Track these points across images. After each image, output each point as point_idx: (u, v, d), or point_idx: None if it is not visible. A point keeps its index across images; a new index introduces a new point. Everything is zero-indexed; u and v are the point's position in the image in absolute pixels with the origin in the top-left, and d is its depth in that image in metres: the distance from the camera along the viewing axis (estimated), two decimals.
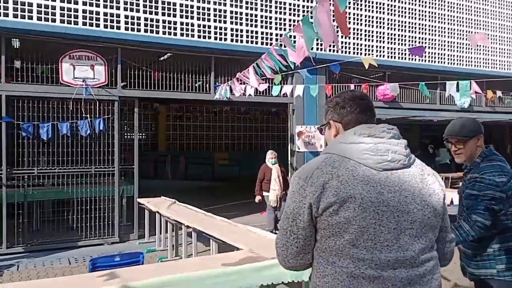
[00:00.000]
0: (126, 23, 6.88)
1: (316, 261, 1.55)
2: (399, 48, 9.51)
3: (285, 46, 4.05)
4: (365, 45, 9.21)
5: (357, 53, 9.04)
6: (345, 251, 1.46)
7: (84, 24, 6.58)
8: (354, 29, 9.06)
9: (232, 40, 7.77)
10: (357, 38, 9.11)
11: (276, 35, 8.16)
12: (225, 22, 7.71)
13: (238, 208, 9.86)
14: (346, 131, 1.63)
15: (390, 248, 1.46)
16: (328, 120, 1.73)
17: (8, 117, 6.30)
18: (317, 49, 8.47)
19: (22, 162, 6.56)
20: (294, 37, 3.53)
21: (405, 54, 9.64)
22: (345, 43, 8.97)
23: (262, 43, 8.02)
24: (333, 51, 8.64)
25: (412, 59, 9.73)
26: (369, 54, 8.99)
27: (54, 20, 6.38)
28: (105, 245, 6.95)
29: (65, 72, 6.62)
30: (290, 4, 8.37)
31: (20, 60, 6.63)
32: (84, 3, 6.57)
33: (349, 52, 8.96)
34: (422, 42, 9.83)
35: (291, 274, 3.33)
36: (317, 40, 3.97)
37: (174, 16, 7.27)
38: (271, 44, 8.00)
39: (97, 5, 6.67)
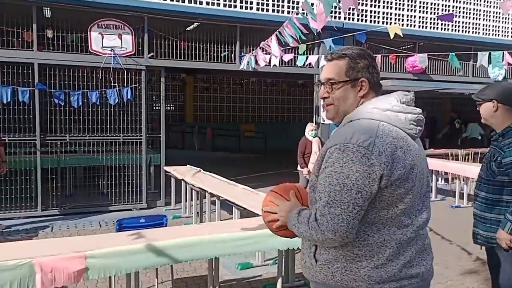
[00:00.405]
0: None
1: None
2: (431, 18, 9.17)
3: (306, 13, 3.99)
4: (396, 14, 8.92)
5: (387, 22, 8.77)
6: (396, 219, 1.50)
7: None
8: None
9: (257, 9, 7.69)
10: (387, 7, 8.83)
11: (302, 2, 7.99)
12: None
13: (262, 179, 9.97)
14: (386, 97, 1.60)
15: (421, 211, 1.57)
16: (360, 78, 1.60)
17: (41, 84, 6.52)
18: (345, 18, 8.27)
19: (55, 129, 6.83)
20: (313, 4, 3.47)
21: (438, 24, 9.29)
22: (375, 12, 8.71)
23: (288, 12, 7.90)
24: (360, 20, 8.43)
25: (445, 29, 9.38)
26: (399, 24, 8.72)
27: None
28: (133, 210, 7.22)
29: (94, 41, 6.75)
30: None
31: (51, 29, 6.78)
32: None
33: (378, 22, 8.71)
34: (456, 11, 9.43)
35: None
36: (339, 8, 3.87)
37: None
38: (297, 13, 7.86)
39: None
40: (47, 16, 7.09)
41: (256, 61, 6.89)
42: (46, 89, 6.57)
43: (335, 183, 1.44)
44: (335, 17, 7.68)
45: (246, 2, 7.59)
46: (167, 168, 7.34)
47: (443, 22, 9.13)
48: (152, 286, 4.07)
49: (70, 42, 6.76)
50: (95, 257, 2.80)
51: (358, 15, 8.51)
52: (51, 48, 6.70)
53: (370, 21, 8.64)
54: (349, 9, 8.27)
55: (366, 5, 8.60)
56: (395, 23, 8.73)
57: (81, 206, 7.03)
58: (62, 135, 6.89)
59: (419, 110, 1.60)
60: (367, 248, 1.50)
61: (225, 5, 7.43)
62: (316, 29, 3.76)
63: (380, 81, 1.68)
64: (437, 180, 8.90)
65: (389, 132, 1.48)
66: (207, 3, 7.30)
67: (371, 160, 1.42)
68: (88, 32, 6.72)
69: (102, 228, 6.21)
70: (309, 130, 7.13)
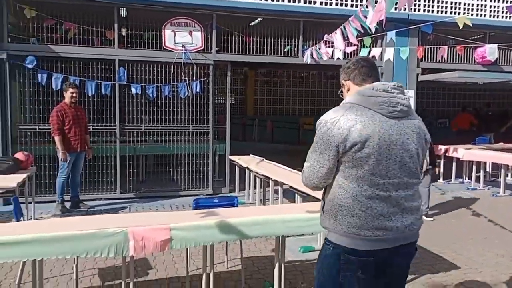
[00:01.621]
0: None
1: (337, 185, 2.01)
2: (503, 7, 8.77)
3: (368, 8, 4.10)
4: (465, 4, 8.64)
5: (455, 12, 8.53)
6: (365, 178, 1.94)
7: None
8: None
9: (321, 3, 7.83)
10: None
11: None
12: None
13: None
14: (365, 86, 2.07)
15: (395, 175, 1.97)
16: (341, 82, 2.22)
17: (122, 77, 7.14)
18: (410, 10, 8.15)
19: (132, 119, 7.46)
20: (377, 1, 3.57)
21: (510, 13, 8.86)
22: (442, 1, 8.50)
23: (351, 6, 7.95)
24: (426, 11, 8.28)
25: None
26: (468, 14, 8.44)
27: None
28: (201, 196, 7.69)
29: (168, 38, 7.27)
30: None
31: (128, 28, 7.38)
32: None
33: (446, 12, 8.49)
34: None
35: None
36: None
37: None
38: (361, 6, 7.89)
39: None
40: (122, 16, 7.70)
41: (319, 55, 7.04)
42: (125, 82, 7.18)
43: (312, 147, 2.06)
44: (400, 9, 7.61)
45: None
46: (232, 157, 7.73)
47: None
48: (222, 262, 4.43)
49: (146, 40, 7.32)
50: (178, 229, 3.17)
51: (424, 6, 8.36)
52: (129, 45, 7.31)
53: (438, 12, 8.45)
54: (415, 0, 8.15)
55: None
56: (464, 13, 8.46)
57: (154, 191, 7.62)
58: (138, 125, 7.51)
59: (391, 94, 1.99)
60: (346, 201, 1.97)
61: (289, 1, 7.65)
62: (369, 27, 3.86)
63: (365, 82, 2.11)
64: (506, 175, 8.56)
65: (356, 111, 1.96)
66: (272, 0, 7.56)
67: (332, 132, 1.95)
68: (163, 30, 7.25)
69: (173, 210, 6.72)
70: None
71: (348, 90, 2.18)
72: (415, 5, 8.29)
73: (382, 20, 3.57)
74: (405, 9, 7.34)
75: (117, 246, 3.03)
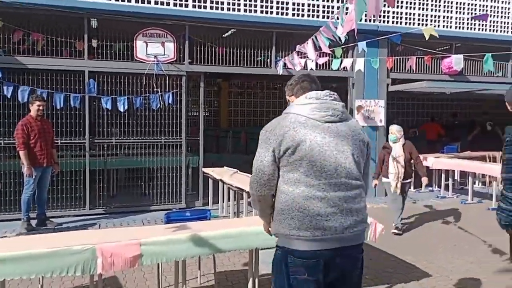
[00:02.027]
0: (194, 0, 7.26)
1: (279, 191, 2.10)
2: (467, 18, 9.10)
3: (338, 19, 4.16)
4: (431, 16, 8.91)
5: (422, 24, 8.79)
6: (301, 180, 2.02)
7: (156, 3, 7.05)
8: None
9: (293, 15, 7.91)
10: (423, 9, 8.84)
11: (338, 8, 8.16)
12: None
13: None
14: (301, 96, 2.20)
15: (331, 176, 2.03)
16: (286, 99, 2.36)
17: (92, 89, 6.98)
18: (379, 21, 8.35)
19: (102, 132, 7.28)
20: (347, 9, 3.63)
21: (475, 24, 9.21)
22: (410, 14, 8.75)
23: (323, 17, 8.07)
24: (395, 22, 8.50)
25: (482, 29, 9.28)
26: (435, 25, 8.71)
27: (129, 0, 6.90)
28: (173, 210, 7.55)
29: (139, 49, 7.17)
30: None
31: (99, 39, 7.24)
32: None
33: (413, 24, 8.74)
34: (494, 11, 9.31)
35: None
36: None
37: None
38: (332, 17, 8.02)
39: None
40: (93, 26, 7.57)
41: (292, 65, 7.09)
42: (95, 94, 7.02)
43: (255, 156, 2.14)
44: (370, 20, 7.78)
45: (283, 8, 7.83)
46: (205, 170, 7.65)
47: (481, 23, 9.04)
48: (195, 278, 4.33)
49: (117, 51, 7.20)
50: (148, 244, 3.08)
51: (393, 18, 8.57)
52: (100, 56, 7.17)
53: (406, 23, 8.68)
54: (384, 12, 8.36)
55: (401, 7, 8.65)
56: (431, 25, 8.73)
57: (125, 206, 7.43)
58: (109, 138, 7.34)
59: (323, 100, 2.13)
60: (286, 204, 2.04)
61: (261, 12, 7.70)
62: (339, 36, 3.92)
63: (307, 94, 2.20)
64: (474, 182, 8.79)
65: (290, 119, 2.09)
66: (245, 10, 7.59)
67: (270, 140, 2.07)
68: (134, 41, 7.14)
69: (145, 225, 6.55)
70: (390, 133, 6.11)
71: (291, 101, 2.32)
72: (384, 17, 8.49)
73: (353, 30, 3.62)
74: (373, 20, 7.50)
75: (84, 264, 2.92)
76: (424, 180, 6.14)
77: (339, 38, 4.54)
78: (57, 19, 6.80)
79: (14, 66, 6.70)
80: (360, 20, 3.68)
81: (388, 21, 8.58)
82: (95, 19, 7.31)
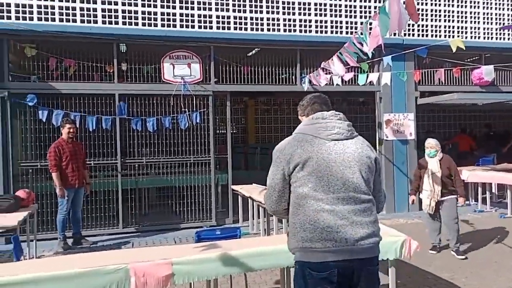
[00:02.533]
0: (218, 22, 7.43)
1: (291, 206, 2.22)
2: (496, 28, 8.91)
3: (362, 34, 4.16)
4: (458, 27, 8.78)
5: (449, 36, 8.66)
6: (310, 194, 2.14)
7: (181, 26, 7.25)
8: (445, 11, 8.70)
9: (316, 32, 7.96)
10: (449, 21, 8.72)
11: (361, 23, 8.16)
12: (309, 14, 7.91)
13: None
14: (308, 117, 2.36)
15: (339, 190, 2.14)
16: (299, 117, 2.49)
17: (122, 111, 7.19)
18: (404, 35, 8.29)
19: (133, 152, 7.46)
20: (371, 24, 3.63)
21: (504, 34, 9.00)
22: (436, 26, 8.65)
23: (347, 33, 8.08)
24: (421, 35, 8.41)
25: None
26: (462, 37, 8.57)
27: (156, 25, 7.13)
28: (203, 228, 7.58)
29: (166, 71, 7.36)
30: None
31: (127, 62, 7.49)
32: (181, 7, 7.23)
33: (440, 36, 8.62)
34: None
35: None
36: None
37: (261, 12, 7.66)
38: (355, 32, 8.02)
39: (192, 8, 7.29)
40: (122, 51, 7.84)
41: (311, 82, 7.10)
42: (125, 116, 7.22)
43: (268, 175, 2.30)
44: (394, 34, 7.73)
45: (306, 26, 7.89)
46: (234, 187, 7.68)
47: (510, 32, 8.84)
48: None
49: (145, 73, 7.41)
50: (180, 264, 3.11)
51: (418, 31, 8.49)
52: (129, 79, 7.40)
53: (432, 35, 8.58)
54: (409, 25, 8.29)
55: (427, 19, 8.57)
56: (458, 36, 8.59)
57: (156, 224, 7.53)
58: (139, 158, 7.50)
59: (329, 120, 2.26)
60: (298, 217, 2.16)
61: (285, 30, 7.79)
62: (367, 53, 3.91)
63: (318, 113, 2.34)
64: None
65: (298, 139, 2.24)
66: (268, 30, 7.69)
67: (280, 159, 2.23)
68: (161, 63, 7.35)
69: (177, 243, 6.61)
70: (426, 147, 5.73)
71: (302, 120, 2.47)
72: (409, 30, 8.42)
73: (380, 45, 3.61)
74: (396, 34, 7.45)
75: (118, 284, 2.97)
76: (461, 200, 5.65)
77: (365, 53, 4.53)
78: (88, 45, 7.09)
79: (48, 92, 6.99)
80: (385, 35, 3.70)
81: (413, 34, 8.50)
82: (123, 44, 7.57)
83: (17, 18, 6.58)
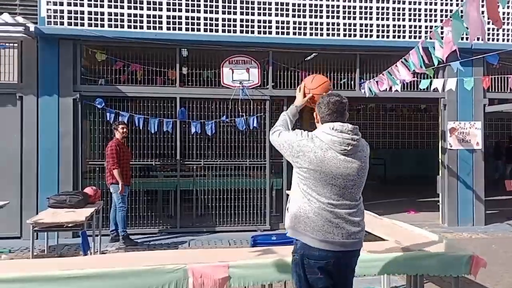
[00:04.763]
0: (277, 27, 7.47)
1: (296, 199, 2.55)
2: None
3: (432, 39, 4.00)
4: None
5: None
6: (313, 195, 2.47)
7: (241, 32, 7.37)
8: None
9: (377, 36, 7.76)
10: None
11: (426, 27, 7.85)
12: (370, 18, 7.74)
13: (383, 206, 9.72)
14: (328, 124, 2.53)
15: (337, 199, 2.48)
16: (314, 114, 2.71)
17: (182, 115, 7.44)
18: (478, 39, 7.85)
19: (191, 154, 7.68)
20: (442, 30, 3.48)
21: None
22: (508, 30, 8.13)
23: (409, 37, 7.81)
24: (491, 40, 7.93)
25: None
26: None
27: (217, 31, 7.30)
28: (258, 232, 7.64)
29: (225, 76, 7.52)
30: None
31: (189, 67, 7.73)
32: (241, 13, 7.36)
33: (510, 40, 8.08)
34: None
35: (440, 267, 3.35)
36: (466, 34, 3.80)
37: (321, 17, 7.60)
38: (419, 37, 7.73)
39: (252, 14, 7.39)
40: (184, 56, 8.10)
41: (378, 87, 6.92)
42: (186, 119, 7.46)
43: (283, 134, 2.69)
44: (461, 38, 7.34)
45: (366, 31, 7.73)
46: (289, 192, 7.64)
47: None
48: None
49: (205, 78, 7.62)
50: (236, 267, 3.14)
51: (488, 35, 8.02)
52: (189, 83, 7.63)
53: (503, 40, 8.07)
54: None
55: (485, 29, 8.07)
56: None
57: (212, 225, 7.69)
58: (198, 160, 7.70)
59: (346, 135, 2.47)
60: (304, 210, 2.49)
61: (344, 35, 7.67)
62: (441, 58, 3.74)
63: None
64: None
65: (315, 142, 2.49)
66: (327, 34, 7.61)
67: (294, 143, 2.53)
68: (221, 68, 7.52)
69: (231, 246, 6.71)
70: None
71: (317, 120, 2.68)
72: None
73: (454, 51, 3.49)
74: (479, 39, 7.08)
75: (177, 283, 3.06)
76: None
77: (424, 63, 4.37)
78: (152, 50, 7.40)
79: (115, 94, 7.38)
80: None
81: (479, 39, 8.02)
82: (185, 49, 7.82)
83: (89, 25, 7.01)
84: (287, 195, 7.73)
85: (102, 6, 7.03)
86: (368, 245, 3.82)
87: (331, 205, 2.46)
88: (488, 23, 6.81)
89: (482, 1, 2.75)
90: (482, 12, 2.83)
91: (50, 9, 6.94)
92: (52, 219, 4.98)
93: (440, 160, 8.38)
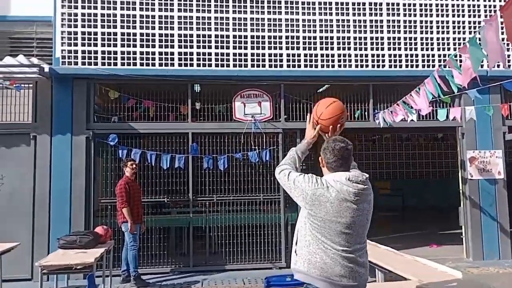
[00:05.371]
0: (288, 60, 7.47)
1: (308, 236, 2.52)
2: None
3: (449, 67, 3.89)
4: None
5: None
6: (321, 240, 2.49)
7: (252, 66, 7.38)
8: None
9: (390, 66, 7.69)
10: None
11: (439, 56, 7.77)
12: (382, 48, 7.70)
13: (403, 239, 9.38)
14: (342, 174, 2.56)
15: (351, 243, 2.51)
16: (320, 159, 2.70)
17: (195, 151, 7.37)
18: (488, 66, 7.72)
19: (204, 190, 7.55)
20: (460, 57, 3.38)
21: None
22: None
23: (423, 66, 7.72)
24: (509, 66, 7.78)
25: None
26: None
27: (228, 65, 7.33)
28: (273, 269, 7.36)
29: (237, 110, 7.49)
30: (453, 22, 7.91)
31: (201, 102, 7.74)
32: (252, 47, 7.39)
33: None
34: None
35: None
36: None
37: (332, 49, 7.59)
38: (433, 66, 7.63)
39: (263, 48, 7.42)
40: (196, 91, 8.13)
41: (393, 117, 6.78)
42: (198, 155, 7.39)
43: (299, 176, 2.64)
44: (498, 65, 7.23)
45: (378, 61, 7.67)
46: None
47: None
48: None
49: (217, 112, 7.60)
50: None
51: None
52: (201, 118, 7.61)
53: None
54: None
55: (505, 55, 7.95)
56: None
57: (225, 263, 7.45)
58: (210, 196, 7.57)
59: (361, 186, 2.52)
60: (318, 253, 2.50)
61: (356, 66, 7.62)
62: (461, 85, 3.62)
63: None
64: None
65: (330, 191, 2.50)
66: (339, 66, 7.57)
67: (307, 187, 2.53)
68: (233, 102, 7.50)
69: (246, 285, 6.46)
70: None
71: (324, 165, 2.68)
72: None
73: (475, 78, 3.38)
74: (499, 66, 6.96)
75: None
76: None
77: (442, 91, 4.25)
78: (164, 86, 7.44)
79: (127, 131, 7.38)
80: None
81: (499, 65, 7.89)
82: (197, 85, 7.85)
83: (103, 64, 7.11)
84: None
85: (115, 45, 7.15)
86: (387, 286, 3.60)
87: (345, 252, 2.50)
88: (508, 49, 6.69)
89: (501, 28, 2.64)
90: (502, 39, 2.71)
91: (65, 50, 7.08)
92: (61, 261, 4.87)
93: (461, 191, 8.09)
